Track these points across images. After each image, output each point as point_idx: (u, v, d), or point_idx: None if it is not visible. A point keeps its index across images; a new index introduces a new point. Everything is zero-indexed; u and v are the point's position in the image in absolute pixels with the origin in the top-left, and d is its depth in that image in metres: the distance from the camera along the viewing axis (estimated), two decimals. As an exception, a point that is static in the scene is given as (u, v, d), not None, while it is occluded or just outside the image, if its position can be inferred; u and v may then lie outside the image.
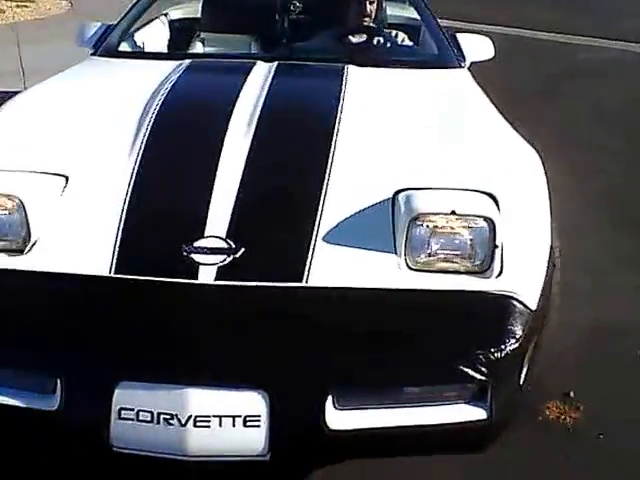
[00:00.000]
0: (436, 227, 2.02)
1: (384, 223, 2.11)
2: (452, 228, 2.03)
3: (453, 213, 2.01)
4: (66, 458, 2.09)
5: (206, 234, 2.03)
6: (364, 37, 3.62)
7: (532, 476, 2.35)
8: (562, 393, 2.66)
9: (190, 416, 1.77)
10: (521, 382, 1.98)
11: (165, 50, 3.89)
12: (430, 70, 3.26)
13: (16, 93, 2.99)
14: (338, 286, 1.95)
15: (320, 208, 2.11)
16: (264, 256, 2.01)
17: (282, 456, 1.83)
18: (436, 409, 1.89)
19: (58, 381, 1.83)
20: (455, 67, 3.32)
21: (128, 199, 2.14)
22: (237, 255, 1.98)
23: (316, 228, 2.06)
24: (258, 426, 1.79)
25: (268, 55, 3.26)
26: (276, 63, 3.03)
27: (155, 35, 3.94)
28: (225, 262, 1.96)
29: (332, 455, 1.95)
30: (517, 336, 1.91)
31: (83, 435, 1.85)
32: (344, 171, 2.24)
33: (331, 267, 1.98)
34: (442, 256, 2.03)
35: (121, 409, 1.79)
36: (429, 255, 2.03)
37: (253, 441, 1.80)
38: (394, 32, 3.82)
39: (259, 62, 3.04)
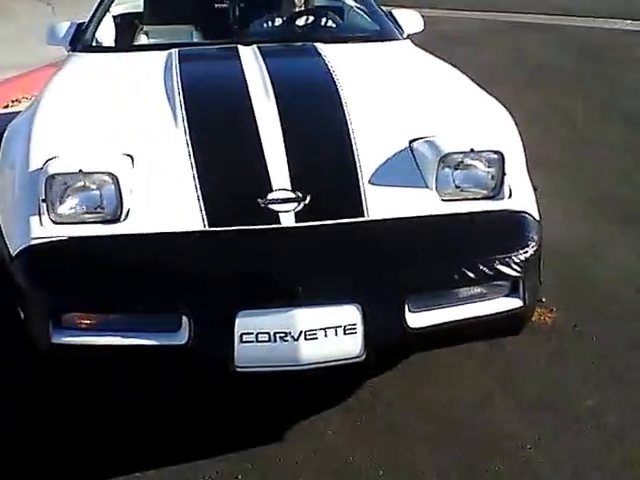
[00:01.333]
0: (459, 163, 2.50)
1: (409, 165, 2.56)
2: (471, 163, 2.51)
3: (472, 151, 2.49)
4: (193, 382, 2.42)
5: (274, 188, 2.41)
6: (311, 18, 4.04)
7: (539, 357, 2.94)
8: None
9: (301, 331, 2.16)
10: (540, 277, 2.51)
11: (113, 44, 4.10)
12: (382, 43, 3.73)
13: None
14: (392, 217, 2.40)
15: (357, 157, 2.54)
16: (328, 200, 2.42)
17: (375, 354, 2.25)
18: (484, 303, 2.38)
19: (184, 319, 2.17)
20: (399, 39, 3.82)
21: (195, 167, 2.47)
22: (306, 202, 2.37)
23: (360, 173, 2.49)
24: (355, 333, 2.20)
25: (235, 40, 3.60)
26: (255, 46, 3.40)
27: (105, 31, 4.16)
28: (299, 208, 2.36)
29: (412, 348, 2.40)
30: (535, 240, 2.43)
31: (212, 361, 2.21)
32: (361, 124, 2.67)
33: (381, 203, 2.42)
34: (465, 186, 2.51)
35: (242, 334, 2.16)
36: (456, 187, 2.51)
37: (352, 345, 2.22)
38: (330, 13, 4.26)
39: (240, 46, 3.40)
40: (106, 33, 4.09)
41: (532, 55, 7.92)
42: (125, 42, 4.08)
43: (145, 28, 4.29)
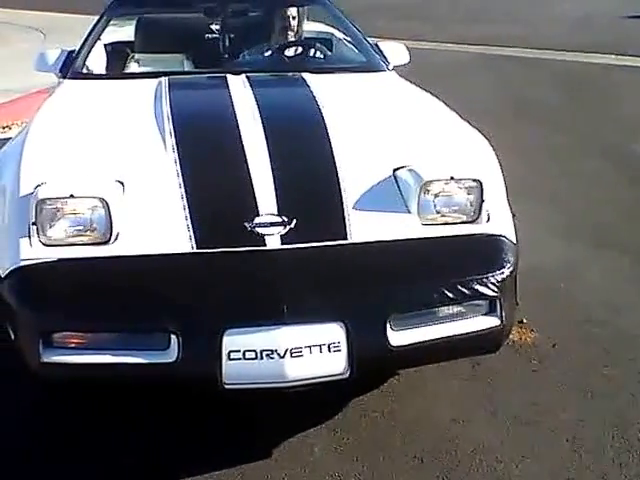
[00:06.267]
0: (440, 190, 2.61)
1: (391, 191, 2.66)
2: (451, 190, 2.62)
3: (452, 179, 2.60)
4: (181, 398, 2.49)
5: (261, 212, 2.51)
6: (300, 49, 4.18)
7: (521, 375, 3.06)
8: (517, 321, 3.31)
9: (287, 349, 2.24)
10: (517, 298, 2.61)
11: (104, 72, 4.17)
12: (367, 74, 3.87)
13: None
14: (375, 240, 2.50)
15: (340, 183, 2.64)
16: (312, 224, 2.52)
17: (358, 372, 2.33)
18: (463, 322, 2.47)
19: (173, 337, 2.25)
20: (385, 70, 3.95)
21: (184, 192, 2.56)
22: (292, 226, 2.47)
23: (343, 198, 2.59)
24: (339, 350, 2.29)
25: (225, 69, 3.75)
26: (244, 75, 3.52)
27: (96, 58, 4.26)
28: (284, 232, 2.45)
29: (394, 366, 2.49)
30: (511, 262, 2.53)
31: (200, 378, 2.29)
32: (345, 151, 2.77)
33: (364, 227, 2.52)
34: (445, 211, 2.61)
35: (230, 352, 2.24)
36: (436, 212, 2.61)
37: (336, 363, 2.30)
38: (318, 45, 4.40)
39: (229, 75, 3.52)
40: (97, 61, 4.18)
41: (518, 88, 8.15)
42: (116, 70, 4.21)
43: (136, 56, 4.44)
